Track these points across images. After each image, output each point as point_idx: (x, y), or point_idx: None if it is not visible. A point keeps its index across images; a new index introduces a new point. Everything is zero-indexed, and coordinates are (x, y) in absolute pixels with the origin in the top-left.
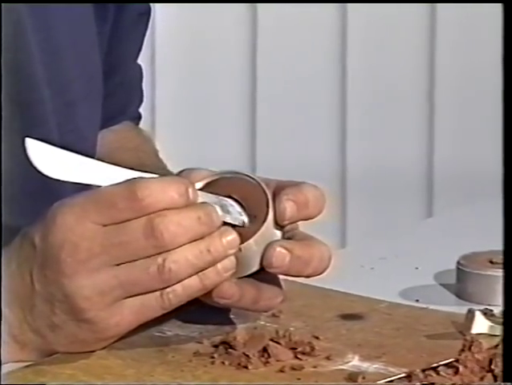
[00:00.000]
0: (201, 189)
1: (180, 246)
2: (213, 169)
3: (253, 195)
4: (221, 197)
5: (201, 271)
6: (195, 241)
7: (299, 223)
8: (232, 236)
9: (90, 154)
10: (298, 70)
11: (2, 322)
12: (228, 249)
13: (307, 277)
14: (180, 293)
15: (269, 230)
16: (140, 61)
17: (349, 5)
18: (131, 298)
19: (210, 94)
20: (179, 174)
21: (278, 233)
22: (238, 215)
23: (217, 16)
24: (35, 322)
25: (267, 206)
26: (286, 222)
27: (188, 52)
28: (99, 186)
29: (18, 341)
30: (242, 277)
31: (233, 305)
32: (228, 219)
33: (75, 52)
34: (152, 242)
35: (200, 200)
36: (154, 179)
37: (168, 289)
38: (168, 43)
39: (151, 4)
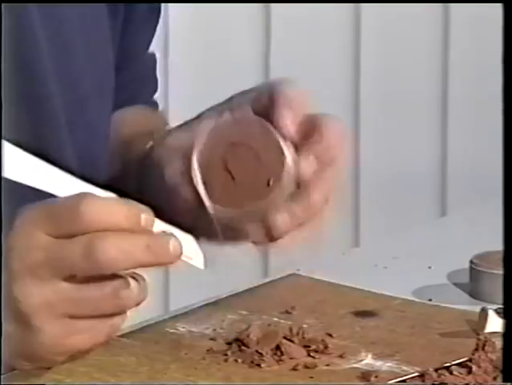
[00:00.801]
0: (210, 135)
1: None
2: None
3: (266, 142)
4: (182, 233)
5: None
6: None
7: None
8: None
9: (101, 148)
10: (311, 70)
11: (3, 322)
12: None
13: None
14: (117, 326)
15: (288, 181)
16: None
17: (363, 5)
18: (80, 320)
19: (223, 93)
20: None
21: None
22: (195, 254)
23: (231, 9)
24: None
25: (283, 159)
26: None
27: (201, 51)
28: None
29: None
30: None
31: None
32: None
33: (86, 47)
34: (90, 264)
35: (156, 228)
36: (107, 197)
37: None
38: (182, 37)
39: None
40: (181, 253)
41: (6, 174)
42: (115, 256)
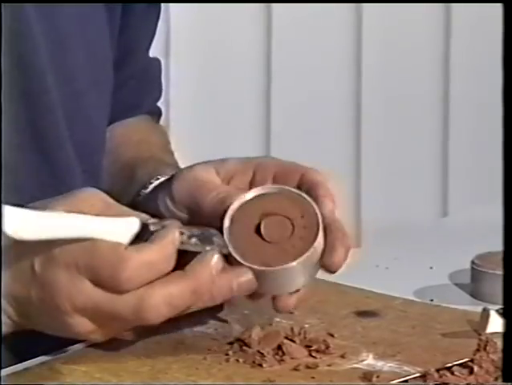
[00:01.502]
0: (245, 202)
1: None
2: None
3: (301, 210)
4: (205, 228)
5: None
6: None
7: None
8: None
9: (98, 142)
10: (312, 70)
11: (3, 322)
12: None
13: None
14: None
15: (315, 254)
16: (154, 56)
17: (364, 5)
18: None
19: (225, 92)
20: (173, 178)
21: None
22: (221, 246)
23: (232, 11)
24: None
25: (317, 230)
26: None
27: (203, 48)
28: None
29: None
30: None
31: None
32: (208, 249)
33: (83, 40)
34: (140, 321)
35: (183, 236)
36: (140, 249)
37: None
38: (183, 39)
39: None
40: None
41: (19, 237)
42: (163, 312)
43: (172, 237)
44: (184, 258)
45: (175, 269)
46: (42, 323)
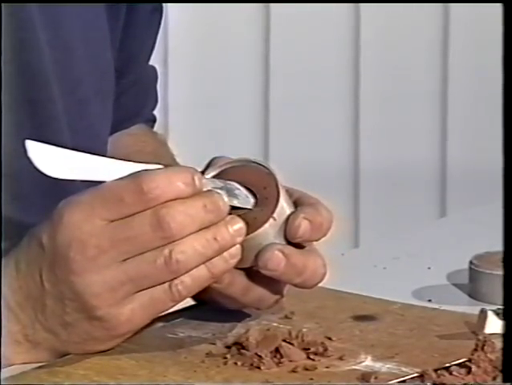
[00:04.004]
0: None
1: (188, 236)
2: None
3: (264, 181)
4: (227, 182)
5: (208, 260)
6: (202, 230)
7: None
8: (239, 224)
9: (102, 151)
10: (310, 70)
11: (3, 322)
12: (235, 237)
13: (296, 286)
14: (189, 284)
15: (281, 215)
16: (152, 63)
17: (362, 5)
18: (140, 293)
19: (223, 95)
20: (210, 162)
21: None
22: (245, 198)
23: (230, 17)
24: (48, 321)
25: (278, 191)
26: (298, 239)
27: (201, 53)
28: (104, 182)
29: (31, 340)
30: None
31: (223, 290)
32: (235, 203)
33: (87, 49)
34: (160, 234)
35: (206, 186)
36: (159, 170)
37: (176, 281)
38: (181, 45)
39: (163, 4)
40: (229, 207)
41: (49, 173)
42: (182, 220)
43: (192, 170)
44: None
45: None
46: (56, 316)
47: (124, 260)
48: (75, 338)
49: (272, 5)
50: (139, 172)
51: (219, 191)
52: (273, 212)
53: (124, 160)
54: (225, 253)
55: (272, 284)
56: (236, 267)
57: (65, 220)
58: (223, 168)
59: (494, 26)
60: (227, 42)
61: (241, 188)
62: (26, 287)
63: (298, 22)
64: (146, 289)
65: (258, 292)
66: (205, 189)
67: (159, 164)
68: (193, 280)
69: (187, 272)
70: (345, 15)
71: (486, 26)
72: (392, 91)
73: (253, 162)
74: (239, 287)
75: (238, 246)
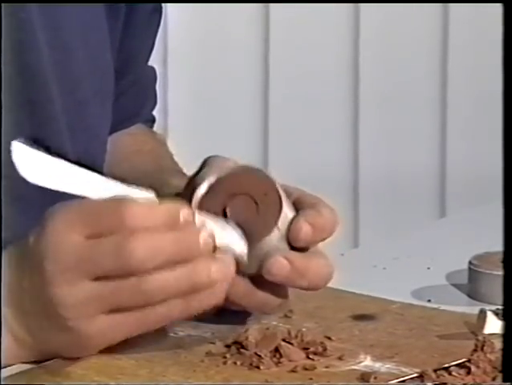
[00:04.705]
0: (211, 187)
1: (157, 268)
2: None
3: (264, 188)
4: (223, 219)
5: (185, 294)
6: (176, 263)
7: None
8: (221, 265)
9: (101, 151)
10: (310, 70)
11: (2, 322)
12: (216, 277)
13: (302, 289)
14: (163, 317)
15: (284, 222)
16: (152, 63)
17: (362, 5)
18: (112, 314)
19: (222, 95)
20: (204, 163)
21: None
22: (237, 238)
23: (230, 17)
24: (27, 321)
25: (279, 198)
26: (300, 243)
27: (200, 54)
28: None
29: (17, 340)
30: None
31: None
32: (223, 243)
33: (86, 50)
34: (119, 263)
35: (197, 223)
36: (146, 202)
37: (151, 314)
38: (181, 45)
39: (163, 4)
40: (213, 245)
41: (30, 179)
42: (143, 254)
43: (182, 206)
44: None
45: None
46: (34, 318)
47: (95, 279)
48: (50, 343)
49: (271, 5)
50: (125, 197)
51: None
52: (276, 221)
53: (116, 178)
54: (204, 295)
55: (276, 288)
56: (241, 274)
57: (48, 227)
58: (221, 174)
59: (494, 26)
60: (226, 43)
61: (236, 227)
62: (12, 284)
63: (297, 22)
64: (121, 310)
65: (262, 296)
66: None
67: (151, 187)
68: (168, 314)
69: (161, 300)
70: (345, 15)
71: (486, 27)
72: (392, 91)
73: (252, 168)
74: (243, 292)
75: (221, 292)
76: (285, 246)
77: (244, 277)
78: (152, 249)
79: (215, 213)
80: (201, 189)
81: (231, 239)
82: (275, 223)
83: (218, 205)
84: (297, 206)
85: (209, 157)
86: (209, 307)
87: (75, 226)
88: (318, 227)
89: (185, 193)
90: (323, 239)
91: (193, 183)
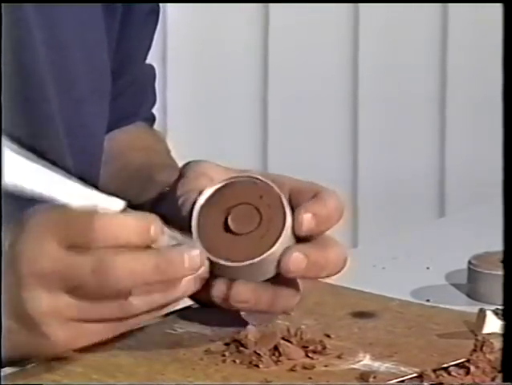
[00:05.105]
0: (212, 196)
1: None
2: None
3: (268, 201)
4: (188, 236)
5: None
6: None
7: None
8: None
9: (97, 150)
10: (309, 70)
11: (3, 321)
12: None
13: (323, 278)
14: (138, 321)
15: (286, 237)
16: (151, 62)
17: (361, 5)
18: (82, 324)
19: (222, 95)
20: (185, 166)
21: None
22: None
23: (229, 17)
24: (8, 312)
25: (284, 216)
26: (306, 234)
27: (200, 53)
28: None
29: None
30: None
31: (250, 308)
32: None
33: (82, 49)
34: (97, 281)
35: (166, 240)
36: (118, 214)
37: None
38: (180, 44)
39: (161, 4)
40: (200, 265)
41: (11, 181)
42: (122, 276)
43: (154, 218)
44: None
45: None
46: (11, 311)
47: (69, 291)
48: (25, 338)
49: (271, 5)
50: (98, 207)
51: (173, 241)
52: (280, 235)
53: (90, 187)
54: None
55: (292, 284)
56: (260, 280)
57: (25, 230)
58: (223, 183)
59: (494, 26)
60: (226, 42)
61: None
62: None
63: (296, 22)
64: (94, 321)
65: (283, 302)
66: (163, 243)
67: (124, 199)
68: (142, 318)
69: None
70: (344, 15)
71: (485, 27)
72: (391, 91)
73: (252, 178)
74: (265, 302)
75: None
76: (293, 241)
77: (266, 289)
78: (132, 273)
79: (216, 223)
80: (201, 200)
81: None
82: (282, 227)
83: (219, 215)
84: (297, 196)
85: (191, 161)
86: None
87: (52, 233)
88: (321, 217)
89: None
90: (330, 227)
91: (184, 187)
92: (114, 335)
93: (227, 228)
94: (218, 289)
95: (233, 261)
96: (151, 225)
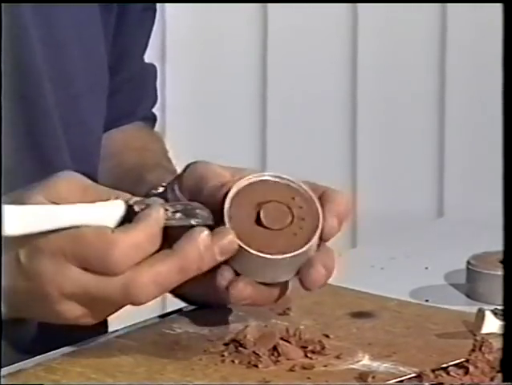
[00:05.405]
0: (244, 189)
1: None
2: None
3: (301, 203)
4: (186, 202)
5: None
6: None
7: None
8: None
9: (95, 147)
10: (308, 70)
11: (3, 311)
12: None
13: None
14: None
15: (317, 238)
16: (150, 61)
17: (359, 5)
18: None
19: (221, 94)
20: (187, 168)
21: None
22: (207, 216)
23: (228, 16)
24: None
25: (318, 216)
26: (333, 237)
27: (199, 52)
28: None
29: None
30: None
31: (244, 304)
32: (193, 222)
33: (79, 45)
34: (130, 302)
35: (168, 212)
36: (127, 230)
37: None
38: (179, 44)
39: (161, 4)
40: (231, 252)
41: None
42: (152, 292)
43: (157, 214)
44: (171, 235)
45: (163, 246)
46: (31, 313)
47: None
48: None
49: (270, 5)
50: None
51: (178, 214)
52: (314, 233)
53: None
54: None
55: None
56: (277, 280)
57: (41, 252)
58: (256, 179)
59: (493, 26)
60: (225, 41)
61: (204, 208)
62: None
63: (295, 21)
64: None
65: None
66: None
67: (153, 170)
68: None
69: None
70: (343, 15)
71: (485, 27)
72: (390, 91)
73: (284, 178)
74: (261, 302)
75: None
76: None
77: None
78: (161, 285)
79: (247, 216)
80: (233, 191)
81: (199, 217)
82: (317, 226)
83: (250, 207)
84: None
85: (192, 163)
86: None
87: (69, 257)
88: (342, 217)
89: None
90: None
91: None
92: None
93: (259, 223)
94: (224, 277)
95: (265, 254)
96: (159, 220)
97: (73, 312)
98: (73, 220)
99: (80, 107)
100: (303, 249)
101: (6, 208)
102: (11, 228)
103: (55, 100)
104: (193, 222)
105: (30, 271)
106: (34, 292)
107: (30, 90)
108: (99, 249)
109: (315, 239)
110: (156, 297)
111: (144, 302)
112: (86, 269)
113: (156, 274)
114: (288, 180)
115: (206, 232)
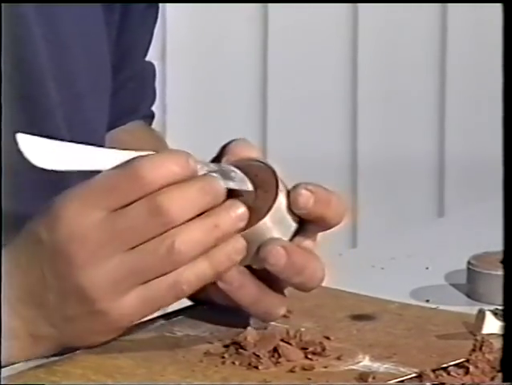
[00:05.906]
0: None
1: (188, 221)
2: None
3: (264, 176)
4: (222, 164)
5: (211, 249)
6: (202, 215)
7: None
8: (240, 209)
9: (98, 145)
10: (309, 69)
11: (3, 321)
12: (237, 222)
13: (293, 286)
14: (193, 282)
15: (281, 211)
16: (150, 60)
17: (360, 4)
18: (143, 286)
19: (221, 94)
20: (225, 146)
21: (291, 221)
22: (242, 180)
23: (228, 16)
24: (50, 315)
25: (277, 184)
26: (301, 210)
27: (199, 52)
28: (98, 172)
29: (33, 335)
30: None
31: (232, 294)
32: (231, 185)
33: (82, 43)
34: (160, 220)
35: (201, 170)
36: (153, 155)
37: (180, 279)
38: (179, 44)
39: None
40: (226, 189)
41: (42, 165)
42: (181, 204)
43: (186, 153)
44: None
45: None
46: (59, 309)
47: (126, 251)
48: (76, 332)
49: (270, 5)
50: (133, 159)
51: (214, 174)
52: (269, 210)
53: (118, 148)
54: (229, 249)
55: (278, 295)
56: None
57: (62, 214)
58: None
59: (493, 26)
60: (225, 40)
61: (237, 171)
62: (28, 283)
63: (296, 21)
64: (148, 282)
65: (266, 304)
66: (200, 173)
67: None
68: (197, 277)
69: (189, 261)
70: (343, 15)
71: (485, 26)
72: (391, 89)
73: (256, 161)
74: (248, 295)
75: (243, 242)
76: (294, 225)
77: (252, 281)
78: (186, 200)
79: None
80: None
81: (236, 180)
82: (268, 211)
83: None
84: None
85: (228, 143)
86: (234, 265)
87: (93, 203)
88: (320, 197)
89: None
90: (330, 219)
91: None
92: (171, 301)
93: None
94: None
95: None
96: (188, 157)
97: (98, 283)
98: (107, 163)
99: (83, 107)
100: (256, 224)
101: (43, 140)
102: (47, 162)
103: (59, 99)
104: (231, 185)
105: (52, 243)
106: (59, 262)
107: (34, 89)
108: (125, 167)
109: (271, 213)
110: (186, 217)
111: (177, 220)
112: (111, 211)
113: (181, 190)
114: (255, 160)
115: (244, 209)
